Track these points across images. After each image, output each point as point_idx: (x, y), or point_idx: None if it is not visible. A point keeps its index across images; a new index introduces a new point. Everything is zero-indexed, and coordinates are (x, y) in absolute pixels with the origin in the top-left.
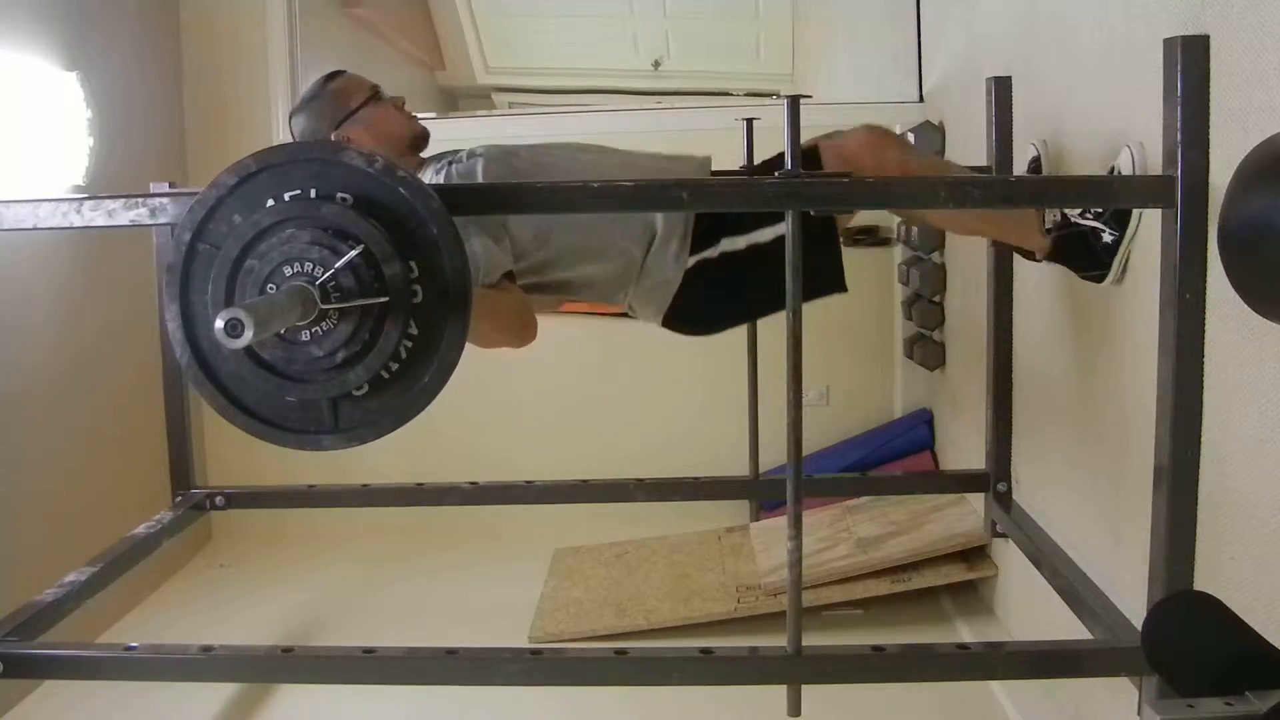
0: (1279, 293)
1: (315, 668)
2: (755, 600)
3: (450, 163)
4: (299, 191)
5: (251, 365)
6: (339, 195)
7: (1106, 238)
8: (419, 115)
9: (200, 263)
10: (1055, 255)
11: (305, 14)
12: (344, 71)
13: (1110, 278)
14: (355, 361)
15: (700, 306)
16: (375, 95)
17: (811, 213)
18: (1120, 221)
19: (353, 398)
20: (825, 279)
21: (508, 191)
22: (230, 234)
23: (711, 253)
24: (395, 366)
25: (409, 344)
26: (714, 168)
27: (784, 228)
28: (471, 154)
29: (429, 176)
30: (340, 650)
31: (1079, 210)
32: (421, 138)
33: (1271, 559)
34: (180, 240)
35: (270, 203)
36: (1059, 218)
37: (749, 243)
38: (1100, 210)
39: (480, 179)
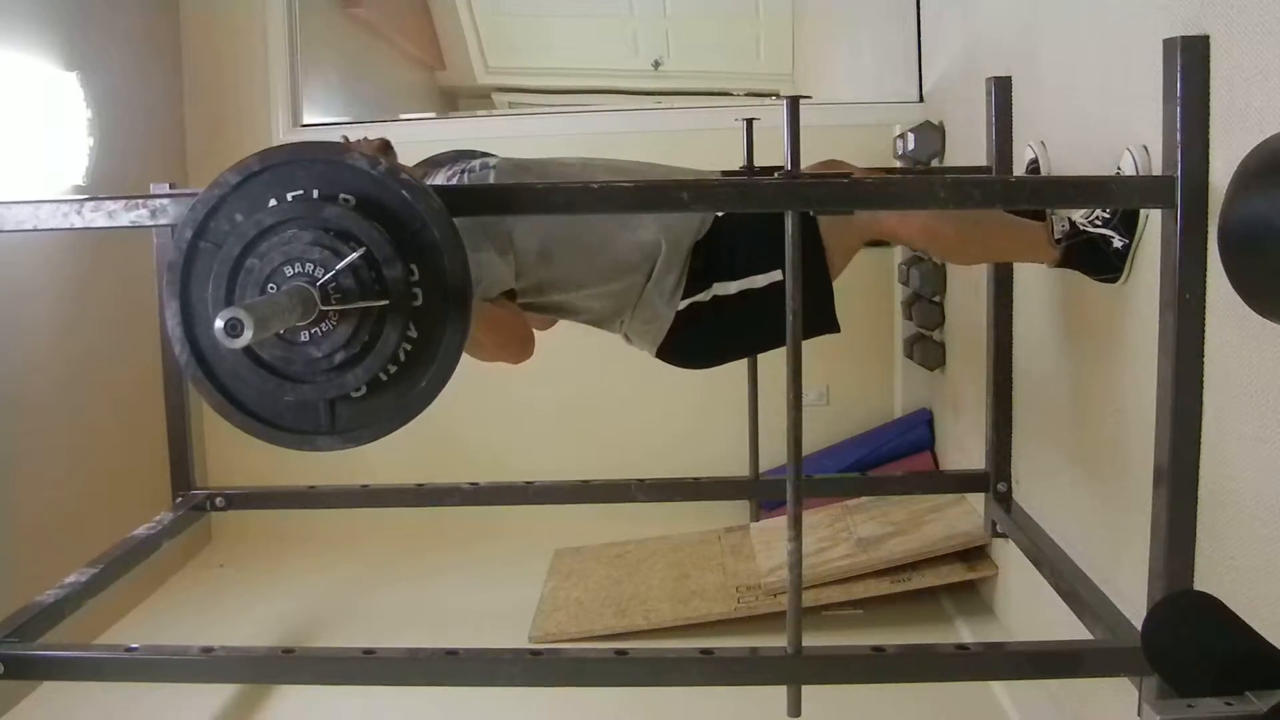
0: (1279, 293)
1: (315, 668)
2: (755, 600)
3: (464, 171)
4: (301, 192)
5: (250, 364)
6: (342, 196)
7: (1117, 243)
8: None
9: (201, 261)
10: (1067, 263)
11: (305, 14)
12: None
13: (1124, 278)
14: (354, 363)
15: (692, 345)
16: None
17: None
18: (1129, 227)
19: (350, 399)
20: (818, 320)
21: (507, 192)
22: (232, 233)
23: (703, 296)
24: (393, 369)
25: (408, 347)
26: (714, 168)
27: (777, 274)
28: (485, 165)
29: (441, 180)
30: (340, 651)
31: (1087, 218)
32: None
33: (1271, 558)
34: (182, 238)
35: (273, 202)
36: (1067, 226)
37: (741, 288)
38: (1108, 216)
39: None
